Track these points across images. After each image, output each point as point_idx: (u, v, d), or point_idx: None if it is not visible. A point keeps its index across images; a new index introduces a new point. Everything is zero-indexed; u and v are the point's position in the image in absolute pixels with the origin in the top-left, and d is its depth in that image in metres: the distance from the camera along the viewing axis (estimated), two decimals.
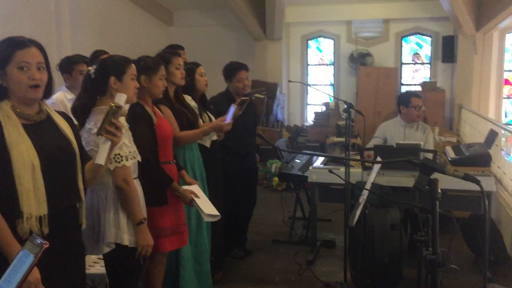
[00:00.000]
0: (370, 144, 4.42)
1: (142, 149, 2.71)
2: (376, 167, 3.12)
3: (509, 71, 9.03)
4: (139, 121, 2.75)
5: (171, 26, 10.06)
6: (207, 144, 3.55)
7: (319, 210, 4.59)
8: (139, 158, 2.45)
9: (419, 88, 9.01)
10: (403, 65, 9.74)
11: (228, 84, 4.17)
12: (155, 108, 2.94)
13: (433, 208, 1.50)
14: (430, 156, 3.69)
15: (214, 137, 3.62)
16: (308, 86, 10.11)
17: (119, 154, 2.28)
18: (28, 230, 1.75)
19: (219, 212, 3.00)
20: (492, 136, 5.00)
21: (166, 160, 2.90)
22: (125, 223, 2.33)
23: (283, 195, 5.42)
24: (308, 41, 10.11)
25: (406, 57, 9.75)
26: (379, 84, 8.89)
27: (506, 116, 9.07)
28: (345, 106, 3.62)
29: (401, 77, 9.67)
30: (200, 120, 3.46)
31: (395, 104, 8.91)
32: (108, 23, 7.89)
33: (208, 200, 3.04)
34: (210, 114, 3.69)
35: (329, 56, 10.09)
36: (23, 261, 1.17)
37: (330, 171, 3.10)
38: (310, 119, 9.77)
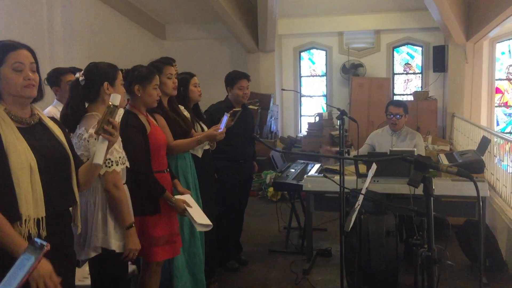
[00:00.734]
0: (360, 151, 4.50)
1: (135, 158, 2.71)
2: (371, 172, 3.13)
3: (500, 80, 9.12)
4: (132, 130, 2.76)
5: (164, 40, 10.11)
6: (199, 154, 3.56)
7: (314, 220, 4.59)
8: (127, 164, 2.45)
9: (411, 98, 9.08)
10: (395, 75, 9.83)
11: (229, 92, 4.21)
12: (149, 117, 2.95)
13: (428, 204, 1.50)
14: None
15: (206, 147, 3.63)
16: (301, 97, 10.18)
17: (109, 159, 2.28)
18: (26, 233, 1.75)
19: (211, 222, 3.00)
20: (484, 143, 5.03)
21: (159, 169, 2.90)
22: (113, 228, 2.33)
23: (278, 206, 5.41)
24: (301, 53, 10.18)
25: (398, 67, 9.84)
26: (372, 94, 8.95)
27: (498, 124, 9.14)
28: (339, 113, 3.64)
29: (393, 87, 9.74)
30: (193, 130, 3.47)
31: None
32: (101, 36, 7.92)
33: (200, 209, 3.04)
34: (202, 124, 3.70)
35: (321, 67, 10.16)
36: (24, 264, 1.16)
37: (325, 176, 3.11)
38: (304, 129, 9.80)
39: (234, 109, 3.65)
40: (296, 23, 9.63)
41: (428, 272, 1.46)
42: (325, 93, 10.11)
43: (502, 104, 9.23)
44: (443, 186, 3.86)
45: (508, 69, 9.11)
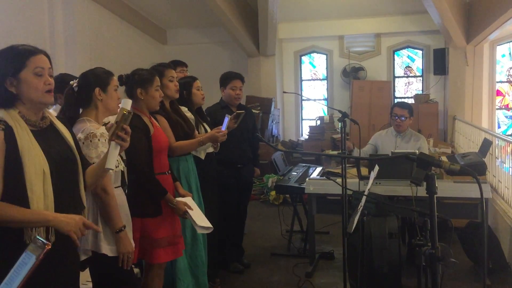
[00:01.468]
0: (363, 151, 4.51)
1: (137, 160, 2.72)
2: (373, 174, 3.13)
3: (500, 82, 9.13)
4: (135, 131, 2.76)
5: (165, 44, 10.13)
6: (202, 156, 3.57)
7: (316, 223, 4.59)
8: (122, 167, 2.46)
9: (412, 101, 9.09)
10: (396, 78, 9.83)
11: (222, 92, 4.21)
12: (152, 119, 2.96)
13: (431, 202, 1.51)
14: None
15: (210, 150, 3.63)
16: (302, 101, 10.20)
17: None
18: (34, 237, 1.74)
19: (212, 224, 3.00)
20: (486, 145, 5.03)
21: (161, 171, 2.91)
22: (104, 231, 2.33)
23: (280, 209, 5.41)
24: (301, 57, 10.19)
25: (398, 70, 9.85)
26: (373, 97, 8.96)
27: (499, 127, 9.14)
28: (340, 116, 3.64)
29: (394, 90, 9.75)
30: (196, 132, 3.48)
31: (389, 117, 8.99)
32: (102, 42, 7.95)
33: (201, 212, 3.04)
34: (206, 126, 3.71)
35: (322, 71, 10.17)
36: (25, 262, 1.16)
37: (328, 178, 3.11)
38: (305, 133, 9.81)
39: (237, 111, 3.66)
40: (296, 27, 9.65)
41: (432, 270, 1.46)
42: (326, 97, 10.11)
43: (503, 107, 9.22)
44: (445, 187, 3.86)
45: (509, 72, 9.11)
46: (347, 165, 3.58)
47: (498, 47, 8.89)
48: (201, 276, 3.35)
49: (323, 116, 9.40)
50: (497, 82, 9.02)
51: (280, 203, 6.79)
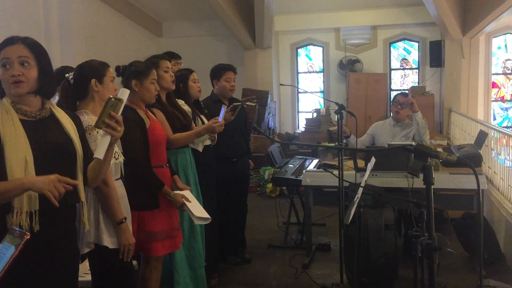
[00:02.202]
0: (361, 140, 4.53)
1: (133, 153, 2.72)
2: (370, 165, 3.14)
3: (496, 74, 9.15)
4: (131, 125, 2.76)
5: (160, 37, 10.10)
6: (200, 148, 3.56)
7: (313, 215, 4.60)
8: (121, 159, 2.45)
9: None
10: (392, 71, 9.84)
11: (215, 85, 4.18)
12: (149, 112, 2.95)
13: (428, 192, 1.52)
14: None
15: (207, 142, 3.63)
16: (298, 93, 10.20)
17: None
18: (17, 225, 1.73)
19: (211, 216, 3.00)
20: (482, 137, 5.05)
21: (158, 164, 2.91)
22: (105, 224, 2.33)
23: (277, 201, 5.42)
24: (298, 49, 10.18)
25: (395, 62, 9.86)
26: (369, 89, 8.97)
27: (494, 119, 9.18)
28: (337, 108, 3.65)
29: (390, 83, 9.76)
30: (193, 124, 3.47)
31: (385, 109, 9.01)
32: (98, 35, 7.91)
33: (199, 204, 3.04)
34: (204, 118, 3.70)
35: (318, 63, 10.17)
36: (4, 253, 1.15)
37: (325, 170, 3.12)
38: (301, 126, 9.82)
39: (234, 104, 3.65)
40: (292, 20, 9.63)
41: (429, 260, 1.47)
42: (322, 89, 10.12)
43: (499, 99, 9.26)
44: (441, 179, 3.87)
45: (505, 64, 9.14)
46: (343, 157, 3.59)
47: (494, 39, 8.91)
48: (199, 268, 3.36)
49: (319, 109, 9.41)
50: (493, 74, 9.05)
51: (277, 195, 6.81)
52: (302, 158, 5.59)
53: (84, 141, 2.02)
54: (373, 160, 3.35)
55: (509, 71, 9.14)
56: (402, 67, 9.86)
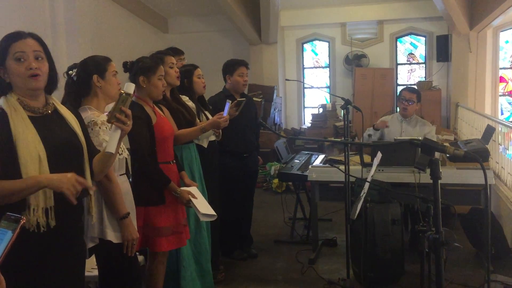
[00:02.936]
0: (367, 132, 4.51)
1: (139, 149, 2.73)
2: (376, 160, 3.13)
3: (504, 68, 9.08)
4: (137, 121, 2.76)
5: (166, 33, 10.09)
6: (205, 144, 3.57)
7: (319, 210, 4.60)
8: (125, 154, 2.46)
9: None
10: (399, 66, 9.79)
11: (228, 80, 4.17)
12: (156, 108, 2.95)
13: (435, 187, 1.51)
14: None
15: (212, 138, 3.63)
16: (304, 88, 10.18)
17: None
18: (35, 222, 1.75)
19: (216, 212, 3.01)
20: (489, 132, 5.02)
21: (165, 160, 2.91)
22: (109, 218, 2.34)
23: (283, 197, 5.42)
24: (304, 44, 10.15)
25: (401, 57, 9.80)
26: (375, 85, 8.93)
27: (502, 113, 9.11)
28: (343, 103, 3.63)
29: (397, 78, 9.71)
30: (198, 120, 3.47)
31: (392, 104, 8.97)
32: (103, 31, 7.92)
33: (205, 200, 3.05)
34: (208, 114, 3.70)
35: (324, 58, 10.13)
36: (1, 238, 1.15)
37: (331, 165, 3.12)
38: (307, 121, 9.80)
39: (238, 99, 3.64)
40: (298, 15, 9.59)
41: (436, 254, 1.46)
42: (328, 85, 10.08)
43: (506, 93, 9.18)
44: (448, 174, 3.86)
45: None
46: (349, 153, 3.58)
47: (501, 33, 8.83)
48: (205, 263, 3.37)
49: (325, 104, 9.38)
50: (501, 68, 8.97)
51: (283, 190, 6.81)
52: (308, 153, 5.58)
53: (86, 135, 2.04)
54: (379, 155, 3.34)
55: None
56: (408, 62, 9.81)
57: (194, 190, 3.00)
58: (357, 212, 2.92)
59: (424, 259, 2.65)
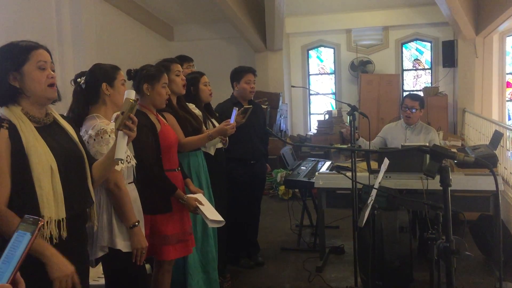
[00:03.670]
0: (373, 143, 4.48)
1: (145, 157, 2.72)
2: (383, 167, 3.11)
3: (511, 73, 9.02)
4: (142, 130, 2.76)
5: (172, 41, 10.13)
6: (211, 151, 3.56)
7: (326, 218, 4.57)
8: (133, 162, 2.45)
9: (421, 94, 9.01)
10: (404, 72, 9.76)
11: (235, 87, 4.17)
12: (159, 116, 2.95)
13: (445, 194, 1.48)
14: None
15: (219, 145, 3.62)
16: (310, 95, 10.17)
17: None
18: (48, 235, 1.75)
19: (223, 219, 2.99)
20: (497, 137, 4.98)
21: (170, 167, 2.90)
22: (118, 227, 2.32)
23: (289, 204, 5.40)
24: (309, 51, 10.15)
25: (407, 63, 9.78)
26: (381, 91, 8.90)
27: (509, 119, 9.05)
28: (349, 109, 3.61)
29: (402, 84, 9.68)
30: (204, 127, 3.47)
31: (398, 110, 8.92)
32: (109, 39, 7.95)
33: (212, 207, 3.03)
34: (215, 122, 3.69)
35: (330, 65, 10.13)
36: (20, 240, 1.14)
37: (338, 172, 3.09)
38: (313, 128, 9.78)
39: (244, 106, 3.63)
40: (303, 21, 9.60)
41: (447, 263, 1.43)
42: (334, 91, 10.07)
43: None
44: (456, 180, 3.81)
45: None
46: (356, 159, 3.56)
47: (507, 38, 8.78)
48: (212, 271, 3.35)
49: (331, 110, 9.36)
50: (507, 73, 8.92)
51: (290, 197, 6.79)
52: (314, 160, 5.56)
53: (83, 143, 2.04)
54: (386, 161, 3.31)
55: None
56: (414, 68, 9.78)
57: (200, 197, 2.99)
58: (365, 219, 2.89)
59: (433, 267, 2.61)
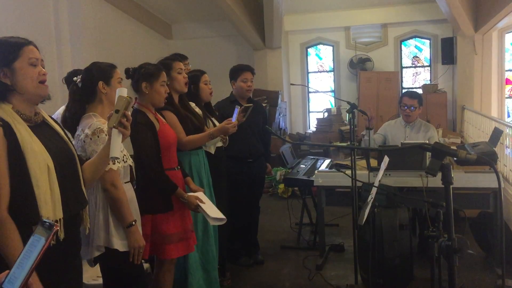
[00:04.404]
0: (372, 139, 4.46)
1: (145, 156, 2.71)
2: (383, 165, 3.10)
3: (510, 70, 9.01)
4: (141, 129, 2.75)
5: (170, 39, 10.11)
6: (212, 150, 3.54)
7: (326, 216, 4.56)
8: (130, 162, 2.43)
9: (420, 91, 9.00)
10: (403, 69, 9.76)
11: (233, 85, 4.17)
12: (158, 115, 2.94)
13: (447, 193, 1.47)
14: None
15: (219, 144, 3.61)
16: (309, 93, 10.16)
17: None
18: None
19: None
20: (496, 134, 4.97)
21: (170, 166, 2.89)
22: (115, 226, 2.31)
23: (289, 202, 5.39)
24: (308, 49, 10.14)
25: (406, 60, 9.77)
26: (380, 88, 8.90)
27: (509, 116, 9.05)
28: (349, 107, 3.61)
29: (401, 81, 9.68)
30: (205, 127, 3.45)
31: (397, 107, 8.92)
32: (108, 37, 7.93)
33: (213, 204, 3.02)
34: (215, 121, 3.68)
35: (328, 62, 10.12)
36: (35, 245, 1.14)
37: (337, 170, 3.09)
38: (312, 126, 9.77)
39: (245, 104, 3.62)
40: (302, 19, 9.59)
41: (449, 262, 1.42)
42: (333, 89, 10.06)
43: None
44: (456, 178, 3.71)
45: None
46: (356, 157, 3.55)
47: (506, 35, 8.77)
48: (212, 270, 3.34)
49: (330, 108, 9.35)
50: (506, 70, 8.91)
51: (289, 196, 6.77)
52: (313, 158, 5.55)
53: (72, 144, 2.01)
54: (386, 159, 3.30)
55: None
56: (413, 65, 9.77)
57: (201, 195, 2.98)
58: (365, 217, 2.89)
59: (434, 265, 2.61)
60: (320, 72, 10.23)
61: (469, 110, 7.90)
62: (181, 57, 4.08)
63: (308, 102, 10.32)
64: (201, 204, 2.88)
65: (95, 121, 2.29)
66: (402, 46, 9.69)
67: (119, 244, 2.32)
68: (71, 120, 2.38)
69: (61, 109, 3.62)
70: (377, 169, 3.58)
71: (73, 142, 2.24)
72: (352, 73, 9.61)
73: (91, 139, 2.23)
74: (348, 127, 3.68)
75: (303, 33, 9.88)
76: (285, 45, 9.79)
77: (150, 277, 3.05)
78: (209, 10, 9.17)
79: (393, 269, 3.53)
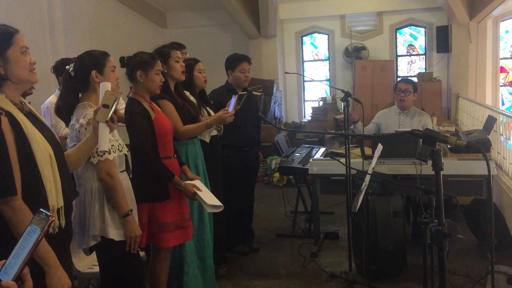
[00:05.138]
0: (366, 129, 4.48)
1: (141, 145, 2.71)
2: (377, 152, 3.12)
3: (504, 58, 9.04)
4: (137, 117, 2.74)
5: (164, 28, 10.05)
6: (207, 139, 3.55)
7: (321, 204, 4.59)
8: (125, 151, 2.43)
9: (415, 80, 9.01)
10: (398, 57, 9.75)
11: (229, 75, 4.16)
12: (153, 104, 2.93)
13: (437, 178, 1.49)
14: None
15: (214, 133, 3.62)
16: (304, 82, 10.15)
17: None
18: (52, 224, 1.72)
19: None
20: (490, 122, 4.99)
21: (166, 155, 2.90)
22: (110, 216, 2.31)
23: (284, 191, 5.42)
24: (303, 37, 10.11)
25: (401, 49, 9.76)
26: (375, 77, 8.90)
27: (503, 104, 9.08)
28: (343, 96, 3.61)
29: (397, 69, 9.68)
30: (200, 116, 3.45)
31: (392, 96, 8.92)
32: (101, 26, 7.88)
33: (210, 192, 3.03)
34: (209, 110, 3.68)
35: (324, 51, 10.10)
36: (30, 235, 1.14)
37: (332, 158, 3.11)
38: (307, 114, 9.78)
39: (239, 92, 3.62)
40: (297, 8, 9.55)
41: (439, 246, 1.45)
42: (328, 77, 10.05)
43: (507, 84, 9.15)
44: (449, 165, 3.84)
45: None
46: (350, 145, 3.56)
47: (501, 23, 8.78)
48: (208, 258, 3.36)
49: (325, 97, 9.36)
50: (501, 58, 8.93)
51: (284, 184, 6.81)
52: (308, 147, 5.57)
53: None
54: (380, 147, 3.32)
55: None
56: (408, 53, 9.77)
57: (198, 183, 2.99)
58: (359, 204, 2.91)
59: (427, 251, 2.64)
60: (315, 60, 10.21)
61: (463, 98, 7.92)
62: (179, 46, 4.07)
63: (304, 91, 10.31)
64: (198, 192, 2.89)
65: (90, 111, 2.28)
66: (397, 34, 9.68)
67: (114, 233, 2.32)
68: (65, 110, 2.36)
69: (51, 98, 3.62)
70: (371, 157, 3.61)
71: (68, 132, 2.25)
72: (347, 62, 9.60)
73: (86, 128, 2.23)
74: (343, 115, 3.69)
75: (298, 22, 9.84)
76: (280, 34, 9.76)
77: (146, 265, 3.07)
78: None
79: (386, 256, 3.57)
